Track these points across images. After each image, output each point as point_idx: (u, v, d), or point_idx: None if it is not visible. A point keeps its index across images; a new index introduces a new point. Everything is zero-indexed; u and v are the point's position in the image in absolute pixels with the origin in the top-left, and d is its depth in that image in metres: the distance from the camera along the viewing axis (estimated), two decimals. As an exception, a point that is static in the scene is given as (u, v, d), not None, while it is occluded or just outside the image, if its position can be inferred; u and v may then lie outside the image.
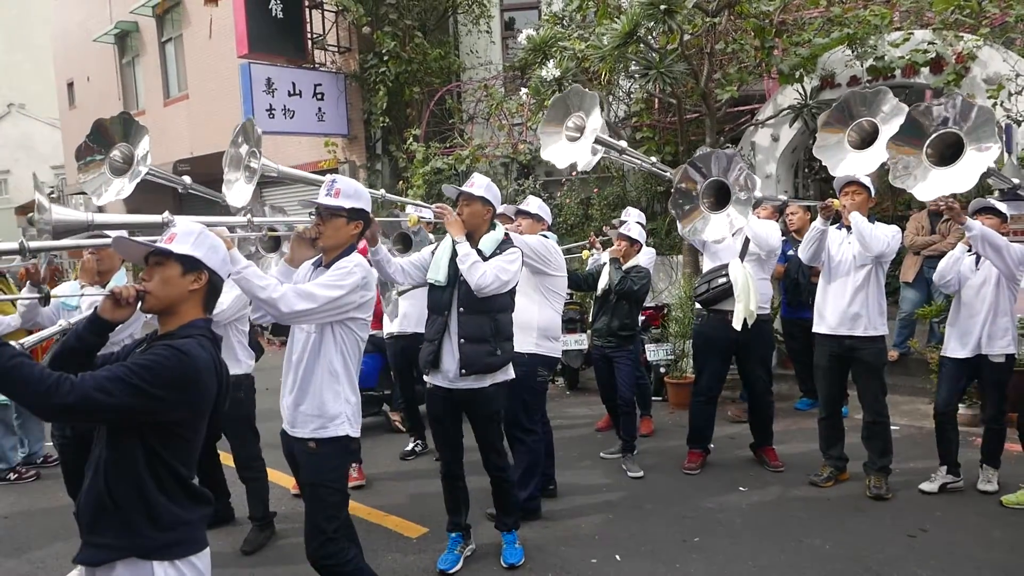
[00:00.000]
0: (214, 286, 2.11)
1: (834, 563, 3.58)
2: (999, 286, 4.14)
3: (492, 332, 3.40)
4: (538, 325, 4.07)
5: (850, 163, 3.82)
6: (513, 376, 3.62)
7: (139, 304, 2.02)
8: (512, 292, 3.54)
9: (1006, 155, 6.50)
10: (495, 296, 3.35)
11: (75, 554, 1.96)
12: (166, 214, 2.56)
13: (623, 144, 4.72)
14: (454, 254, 3.39)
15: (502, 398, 3.57)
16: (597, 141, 3.97)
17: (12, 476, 5.30)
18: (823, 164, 4.15)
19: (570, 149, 4.03)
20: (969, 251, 4.18)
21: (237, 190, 3.35)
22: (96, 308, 2.05)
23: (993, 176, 3.47)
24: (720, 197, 3.96)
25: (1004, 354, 4.18)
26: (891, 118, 3.69)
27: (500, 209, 4.88)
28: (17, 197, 30.30)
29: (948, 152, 3.41)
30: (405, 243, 4.62)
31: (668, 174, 4.76)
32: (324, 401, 2.75)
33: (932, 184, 3.42)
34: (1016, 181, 3.76)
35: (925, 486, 4.40)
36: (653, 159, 4.78)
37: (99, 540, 1.90)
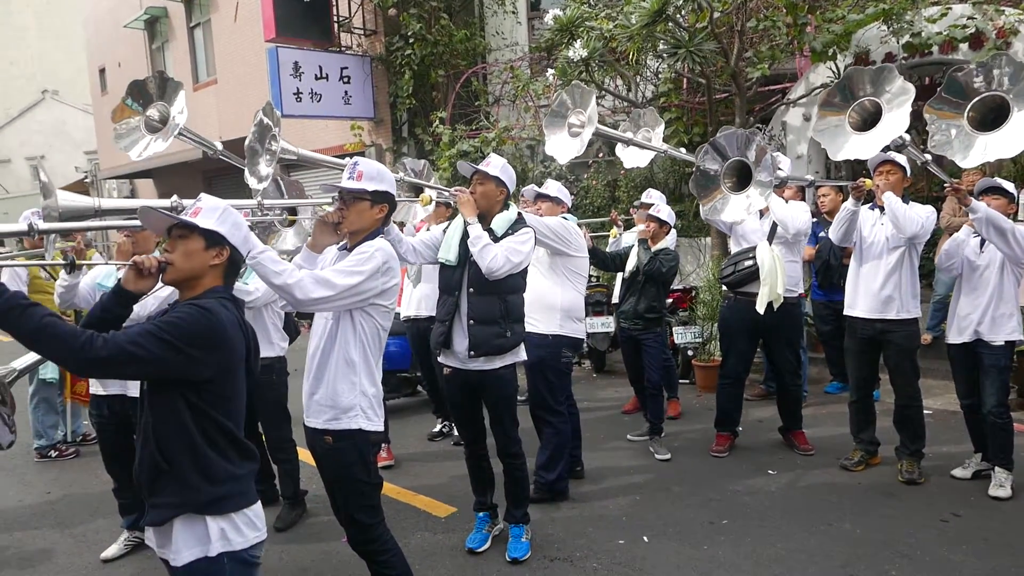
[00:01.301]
0: (234, 262, 2.15)
1: (864, 547, 3.56)
2: (1003, 270, 3.98)
3: (502, 313, 3.37)
4: (561, 306, 4.07)
5: (853, 146, 3.63)
6: (525, 358, 3.60)
7: (161, 275, 2.08)
8: (524, 273, 3.51)
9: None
10: (506, 277, 3.31)
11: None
12: (174, 198, 2.54)
13: (628, 135, 4.69)
14: (465, 234, 3.36)
15: (514, 382, 3.54)
16: (598, 133, 3.92)
17: (53, 453, 5.47)
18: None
19: (572, 143, 3.98)
20: (975, 234, 4.03)
21: (258, 172, 3.36)
22: (120, 280, 2.11)
23: None
24: (742, 178, 3.89)
25: (1004, 339, 4.01)
26: (898, 99, 3.49)
27: (523, 192, 4.90)
28: (52, 183, 30.84)
29: (991, 117, 3.26)
30: (416, 191, 4.66)
31: (683, 155, 4.72)
32: (338, 392, 2.66)
33: (977, 151, 3.25)
34: None
35: (958, 472, 4.34)
36: (664, 145, 4.72)
37: (159, 500, 1.98)
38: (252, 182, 3.34)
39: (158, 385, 1.98)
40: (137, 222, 2.48)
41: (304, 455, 4.38)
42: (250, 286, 3.76)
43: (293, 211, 3.80)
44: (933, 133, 3.41)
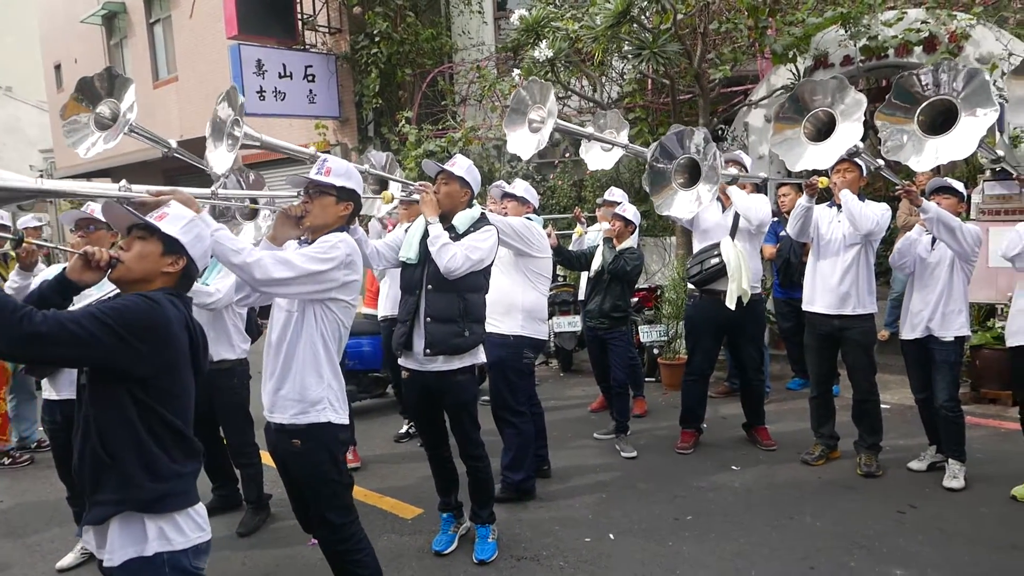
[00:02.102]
0: (188, 275, 2.10)
1: (824, 539, 3.63)
2: (953, 268, 4.09)
3: (461, 312, 3.33)
4: (523, 307, 4.06)
5: (809, 157, 3.70)
6: (483, 360, 3.56)
7: (109, 271, 2.00)
8: (486, 272, 3.47)
9: (998, 134, 6.51)
10: (466, 275, 3.28)
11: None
12: (123, 183, 2.43)
13: (589, 130, 4.73)
14: (426, 233, 3.33)
15: (473, 387, 3.49)
16: (558, 129, 3.94)
17: (7, 461, 5.31)
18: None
19: (533, 139, 3.99)
20: (926, 232, 4.13)
21: (219, 157, 3.27)
22: (64, 268, 2.04)
23: (981, 147, 3.43)
24: (693, 174, 3.94)
25: (954, 335, 4.12)
26: (851, 109, 3.57)
27: (490, 190, 4.89)
28: (6, 181, 29.89)
29: (940, 120, 3.35)
30: (382, 185, 4.64)
31: (644, 150, 4.76)
32: (306, 385, 2.61)
33: (929, 154, 3.34)
34: (1000, 153, 3.71)
35: (914, 464, 4.45)
36: (624, 140, 4.76)
37: (101, 497, 1.92)
38: (212, 166, 3.25)
39: (101, 378, 1.90)
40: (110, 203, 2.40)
41: (267, 457, 4.33)
42: (211, 287, 3.69)
43: (254, 203, 3.74)
44: (886, 139, 3.49)
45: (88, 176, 18.33)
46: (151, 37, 15.25)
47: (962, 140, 3.22)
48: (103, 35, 16.56)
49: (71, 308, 2.02)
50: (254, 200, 3.72)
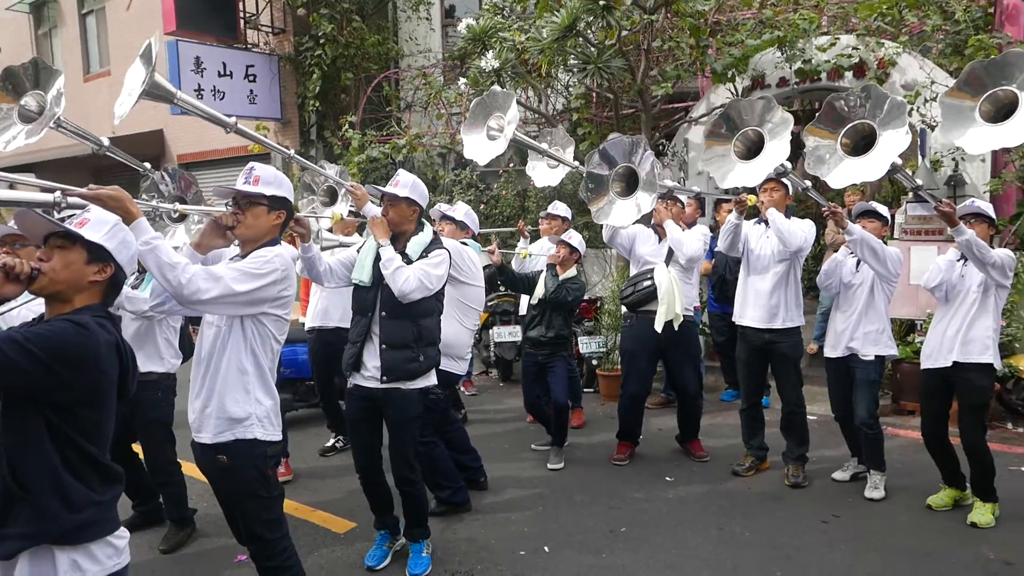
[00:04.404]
0: (116, 282, 2.01)
1: (753, 549, 3.73)
2: (873, 289, 4.25)
3: (415, 337, 3.30)
4: (441, 339, 3.74)
5: (738, 174, 3.80)
6: (435, 382, 3.52)
7: (30, 283, 1.89)
8: (439, 295, 3.43)
9: (919, 158, 6.85)
10: (419, 300, 3.24)
11: None
12: (58, 194, 2.34)
13: (543, 146, 4.76)
14: (378, 256, 3.27)
15: (420, 404, 3.44)
16: (515, 140, 3.96)
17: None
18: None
19: (491, 146, 4.00)
20: (851, 253, 4.29)
21: (125, 100, 3.13)
22: None
23: (900, 173, 3.60)
24: (631, 183, 3.99)
25: (875, 354, 4.25)
26: (779, 128, 3.69)
27: (431, 212, 4.82)
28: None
29: (862, 143, 3.50)
30: (332, 197, 4.61)
31: (581, 168, 4.82)
32: (232, 401, 2.55)
33: (843, 172, 3.48)
34: (920, 182, 3.90)
35: (838, 475, 4.62)
36: (571, 157, 4.82)
37: (11, 531, 1.80)
38: (117, 109, 3.10)
39: (16, 403, 1.80)
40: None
41: (192, 469, 4.18)
42: (146, 293, 3.54)
43: (184, 204, 3.61)
44: (810, 153, 3.62)
45: (11, 171, 17.48)
46: (83, 28, 14.64)
47: (874, 164, 3.38)
48: (30, 24, 15.81)
49: None
50: (183, 202, 3.60)
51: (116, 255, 1.98)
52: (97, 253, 1.94)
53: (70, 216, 2.14)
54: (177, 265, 2.33)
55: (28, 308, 3.01)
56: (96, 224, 1.97)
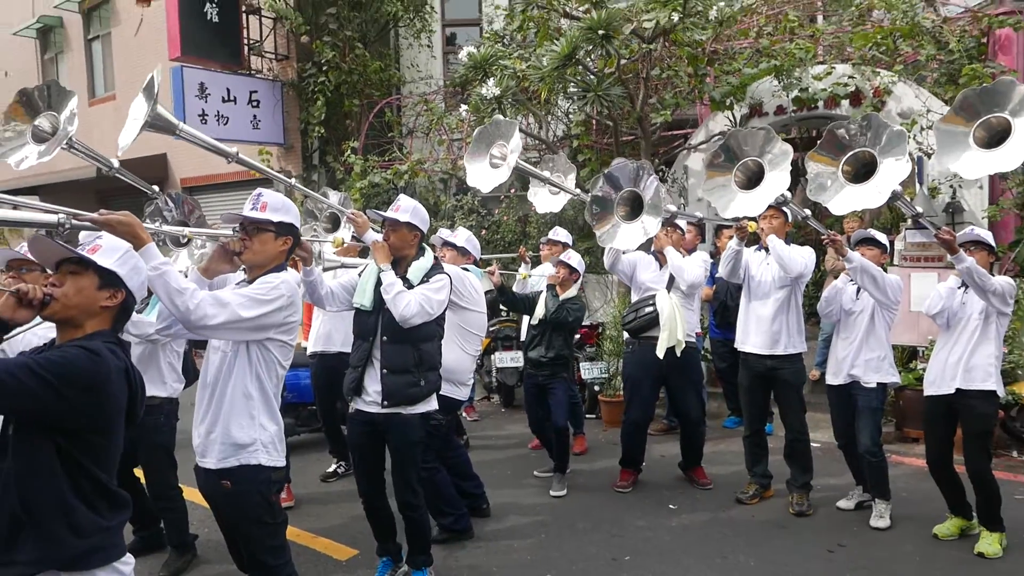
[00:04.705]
0: (127, 308, 2.03)
1: (757, 579, 3.69)
2: (873, 316, 4.26)
3: (415, 362, 3.31)
4: (442, 364, 3.71)
5: (739, 204, 3.84)
6: (436, 407, 3.52)
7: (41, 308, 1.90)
8: (440, 320, 3.45)
9: (917, 186, 6.91)
10: (420, 325, 3.25)
11: None
12: (61, 215, 2.37)
13: (545, 174, 4.81)
14: (379, 280, 3.29)
15: (422, 429, 3.44)
16: (517, 168, 4.00)
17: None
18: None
19: (494, 174, 4.04)
20: (851, 281, 4.30)
21: (128, 131, 3.17)
22: None
23: (900, 200, 3.64)
24: (635, 207, 4.01)
25: (877, 381, 4.25)
26: (779, 159, 3.74)
27: (433, 239, 4.86)
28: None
29: (863, 171, 3.54)
30: (335, 223, 4.64)
31: (582, 195, 4.85)
32: (237, 427, 2.55)
33: (845, 199, 3.51)
34: (919, 209, 3.94)
35: (842, 503, 4.59)
36: (573, 184, 4.88)
37: (18, 556, 1.80)
38: (121, 139, 3.14)
39: (27, 429, 1.80)
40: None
41: (193, 495, 4.15)
42: (154, 316, 3.55)
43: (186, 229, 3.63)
44: (812, 180, 3.66)
45: (15, 193, 17.56)
46: (89, 53, 14.80)
47: (875, 191, 3.41)
48: (37, 49, 15.99)
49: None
50: (186, 226, 3.62)
51: (127, 281, 2.00)
52: (109, 279, 1.97)
53: (80, 244, 2.16)
54: (185, 291, 2.35)
55: (33, 333, 3.02)
56: (108, 250, 2.00)
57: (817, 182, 3.63)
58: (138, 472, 3.93)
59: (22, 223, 2.51)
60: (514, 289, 5.39)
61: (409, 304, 3.17)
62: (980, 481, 3.91)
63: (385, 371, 3.29)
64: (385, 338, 3.31)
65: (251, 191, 2.82)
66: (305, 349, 5.53)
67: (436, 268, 3.45)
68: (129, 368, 1.95)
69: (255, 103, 10.68)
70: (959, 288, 3.95)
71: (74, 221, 2.40)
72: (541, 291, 5.11)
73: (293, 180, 3.72)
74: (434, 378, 3.43)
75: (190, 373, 4.06)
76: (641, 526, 4.39)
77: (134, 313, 3.35)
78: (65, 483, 1.81)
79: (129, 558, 1.96)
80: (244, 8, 10.57)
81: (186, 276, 2.63)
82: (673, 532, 4.31)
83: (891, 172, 3.41)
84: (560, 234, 5.73)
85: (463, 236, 4.47)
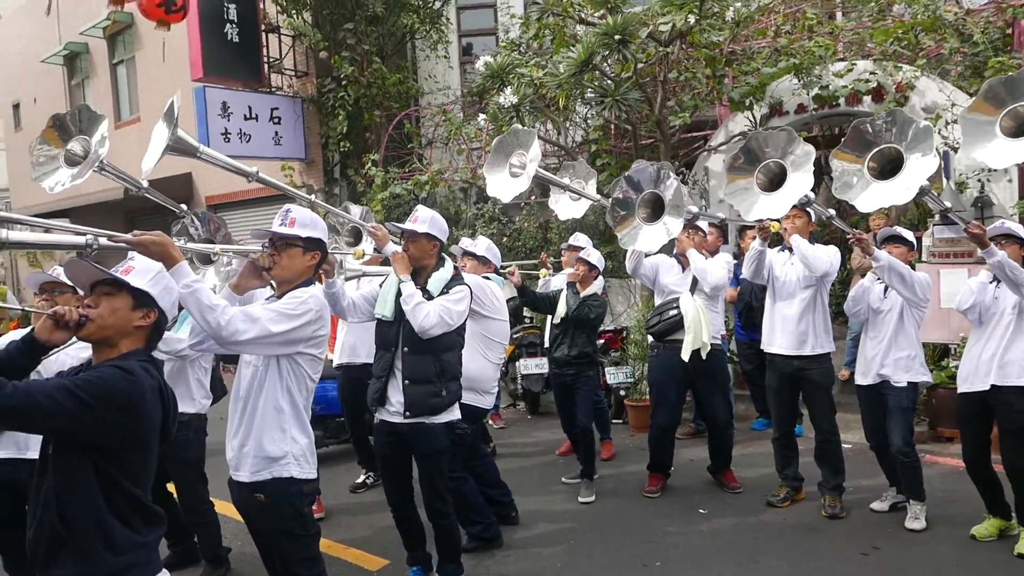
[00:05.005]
0: (159, 327, 2.08)
1: (791, 584, 3.64)
2: (902, 315, 4.19)
3: (437, 372, 3.33)
4: (465, 374, 3.71)
5: (762, 206, 3.80)
6: (459, 416, 3.53)
7: (78, 329, 1.96)
8: (460, 330, 3.46)
9: (944, 181, 6.79)
10: (440, 335, 3.27)
11: None
12: (89, 236, 2.42)
13: (565, 181, 4.81)
14: (400, 291, 3.32)
15: (447, 438, 3.45)
16: (537, 176, 4.00)
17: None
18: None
19: (513, 184, 4.05)
20: (879, 280, 4.25)
21: (150, 155, 3.24)
22: (32, 329, 2.00)
23: (928, 196, 3.58)
24: (656, 209, 4.00)
25: (907, 380, 4.17)
26: (801, 160, 3.70)
27: (453, 250, 4.89)
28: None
29: (889, 167, 3.49)
30: (356, 237, 4.68)
31: (603, 201, 4.84)
32: (269, 440, 2.59)
33: (872, 196, 3.46)
34: (948, 204, 3.86)
35: (876, 505, 4.51)
36: (593, 190, 4.88)
37: (58, 572, 1.85)
38: (144, 163, 3.21)
39: (65, 448, 1.86)
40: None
41: (226, 508, 4.20)
42: (182, 333, 3.61)
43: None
44: (838, 178, 3.62)
45: (46, 216, 17.98)
46: (114, 77, 15.14)
47: (902, 187, 3.36)
48: (64, 75, 16.40)
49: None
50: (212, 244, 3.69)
51: (159, 301, 2.05)
52: (142, 299, 2.02)
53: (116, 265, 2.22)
54: (216, 307, 2.40)
55: (67, 353, 3.09)
56: (141, 271, 2.05)
57: (842, 180, 3.59)
58: (171, 487, 4.00)
59: (53, 245, 2.60)
60: (536, 291, 5.40)
61: (428, 315, 3.20)
62: (1018, 479, 3.82)
63: (407, 381, 3.31)
64: (406, 349, 3.34)
65: (275, 207, 2.88)
66: (331, 362, 5.59)
67: (456, 279, 3.46)
68: (162, 386, 2.00)
69: (276, 120, 10.84)
70: (991, 283, 3.88)
71: (108, 242, 2.47)
72: (561, 289, 5.11)
73: (313, 196, 3.78)
74: (455, 388, 3.45)
75: (218, 389, 4.12)
76: (671, 532, 4.35)
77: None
78: (102, 500, 1.85)
79: (165, 574, 2.00)
80: (263, 27, 10.75)
81: (216, 292, 2.69)
82: (704, 537, 4.27)
83: (918, 168, 3.35)
84: (580, 239, 5.74)
85: (483, 245, 4.49)
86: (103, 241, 2.45)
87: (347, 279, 4.10)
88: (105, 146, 3.12)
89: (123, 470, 1.88)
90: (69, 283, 3.15)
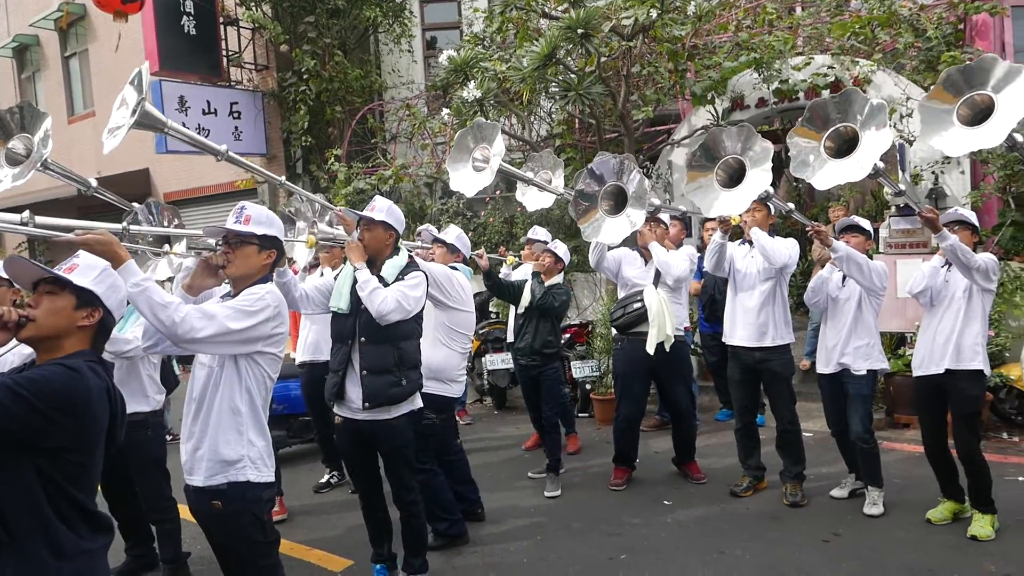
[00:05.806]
0: (105, 326, 2.01)
1: (754, 572, 3.69)
2: (861, 303, 4.27)
3: (396, 362, 3.29)
4: (429, 364, 3.73)
5: (722, 203, 3.81)
6: (420, 406, 3.50)
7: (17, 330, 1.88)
8: (418, 318, 3.43)
9: (900, 173, 6.94)
10: (398, 324, 3.23)
11: None
12: (26, 213, 2.29)
13: (529, 175, 4.79)
14: (355, 280, 3.27)
15: (409, 430, 3.43)
16: (501, 171, 3.97)
17: None
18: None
19: (477, 178, 4.01)
20: (837, 269, 4.30)
21: (112, 135, 3.12)
22: None
23: (882, 176, 3.63)
24: (619, 201, 3.99)
25: (867, 368, 4.25)
26: (759, 156, 3.72)
27: (419, 231, 4.86)
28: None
29: (844, 147, 3.52)
30: None
31: (568, 195, 4.83)
32: (225, 443, 2.50)
33: (827, 174, 3.48)
34: (902, 187, 3.91)
35: (836, 492, 4.59)
36: (561, 181, 4.88)
37: None
38: (107, 143, 3.08)
39: (7, 450, 1.77)
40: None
41: (185, 511, 4.10)
42: (127, 334, 3.51)
43: (167, 240, 3.59)
44: (795, 157, 3.64)
45: (-5, 214, 17.39)
46: (66, 71, 14.72)
47: (857, 164, 3.39)
48: (14, 68, 15.88)
49: None
50: (167, 238, 3.58)
51: (105, 299, 1.98)
52: (86, 298, 1.95)
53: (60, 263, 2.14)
54: (169, 305, 2.31)
55: (12, 352, 2.98)
56: (85, 269, 1.98)
57: (799, 159, 3.61)
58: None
59: None
60: (501, 274, 5.39)
61: (386, 300, 3.15)
62: (971, 463, 3.92)
63: (364, 372, 3.26)
64: (363, 339, 3.29)
65: (235, 204, 2.80)
66: (294, 360, 5.50)
67: (411, 265, 3.43)
68: (110, 388, 1.93)
69: (236, 114, 10.65)
70: (942, 267, 3.97)
71: (52, 239, 2.37)
72: (526, 280, 5.10)
73: (282, 179, 3.69)
74: (416, 376, 3.41)
75: (170, 380, 4.03)
76: (637, 524, 4.38)
77: None
78: (46, 504, 1.78)
79: None
80: (222, 20, 10.54)
81: (170, 288, 2.61)
82: (669, 528, 4.30)
83: (872, 144, 3.39)
84: (539, 233, 5.76)
85: (453, 233, 4.43)
86: (40, 219, 2.35)
87: (320, 242, 3.94)
88: (48, 145, 2.99)
89: (67, 473, 1.81)
90: (5, 276, 3.04)
